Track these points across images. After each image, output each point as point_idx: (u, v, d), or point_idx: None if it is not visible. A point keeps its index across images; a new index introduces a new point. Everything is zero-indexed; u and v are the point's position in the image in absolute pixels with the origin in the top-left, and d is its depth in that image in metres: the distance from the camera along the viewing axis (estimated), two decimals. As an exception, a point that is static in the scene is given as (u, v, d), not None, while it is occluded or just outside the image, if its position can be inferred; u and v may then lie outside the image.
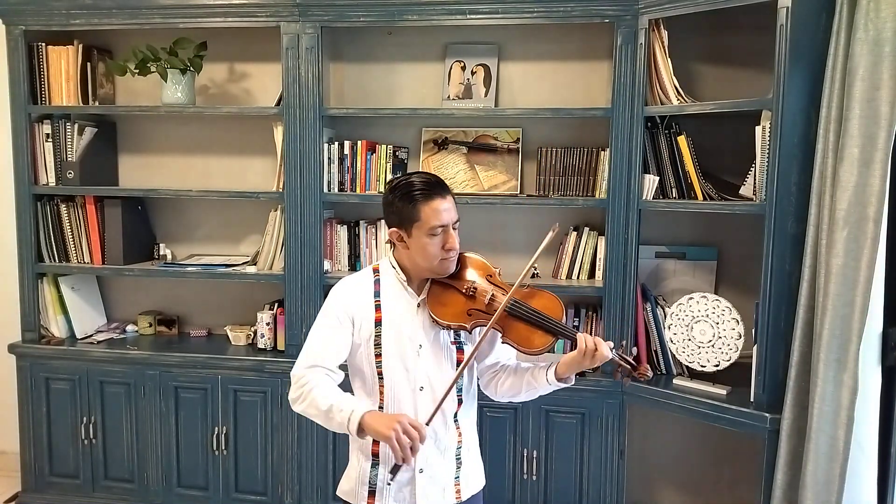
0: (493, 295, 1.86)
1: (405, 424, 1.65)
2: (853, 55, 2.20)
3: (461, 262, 1.92)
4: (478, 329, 1.87)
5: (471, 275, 1.91)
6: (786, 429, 2.40)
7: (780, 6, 2.33)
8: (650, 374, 1.87)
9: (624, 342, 2.18)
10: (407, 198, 1.81)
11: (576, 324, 3.00)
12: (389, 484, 1.84)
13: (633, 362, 1.85)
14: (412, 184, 1.83)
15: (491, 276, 1.92)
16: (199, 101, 3.25)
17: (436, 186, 1.83)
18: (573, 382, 1.88)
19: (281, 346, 3.11)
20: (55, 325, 3.28)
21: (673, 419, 2.99)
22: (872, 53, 2.16)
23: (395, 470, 1.76)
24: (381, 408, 1.86)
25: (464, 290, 1.87)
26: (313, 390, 1.78)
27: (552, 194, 2.95)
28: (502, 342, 1.88)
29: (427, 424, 1.73)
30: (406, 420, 1.67)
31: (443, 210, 1.80)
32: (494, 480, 2.66)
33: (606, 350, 1.79)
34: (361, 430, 1.71)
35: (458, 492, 1.92)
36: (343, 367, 1.89)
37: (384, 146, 3.03)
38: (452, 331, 1.88)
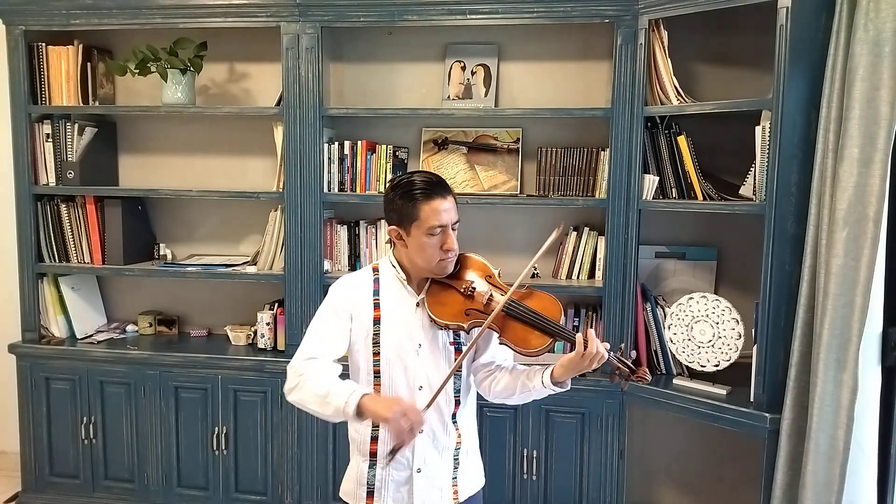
0: (491, 295, 1.85)
1: (404, 407, 1.67)
2: (853, 55, 2.20)
3: (461, 262, 1.91)
4: (475, 330, 1.86)
5: (470, 275, 1.91)
6: (786, 429, 2.40)
7: (780, 6, 2.33)
8: (649, 377, 1.84)
9: (623, 345, 2.16)
10: (407, 196, 1.81)
11: (576, 324, 3.00)
12: (386, 465, 1.82)
13: (631, 366, 1.83)
14: (413, 182, 1.82)
15: (490, 277, 1.91)
16: (199, 101, 3.25)
17: (437, 186, 1.83)
18: (568, 388, 1.84)
19: (281, 346, 3.11)
20: (55, 325, 3.28)
21: (673, 419, 2.98)
22: (872, 53, 2.16)
23: (392, 452, 1.75)
24: None
25: (462, 290, 1.87)
26: (310, 377, 1.77)
27: (552, 194, 2.95)
28: (500, 343, 1.86)
29: (424, 411, 1.75)
30: (405, 403, 1.70)
31: (442, 210, 1.80)
32: (494, 480, 2.66)
33: (604, 351, 1.76)
34: (359, 414, 1.70)
35: (455, 493, 1.92)
36: (342, 362, 1.87)
37: (384, 146, 3.03)
38: (451, 331, 1.88)
